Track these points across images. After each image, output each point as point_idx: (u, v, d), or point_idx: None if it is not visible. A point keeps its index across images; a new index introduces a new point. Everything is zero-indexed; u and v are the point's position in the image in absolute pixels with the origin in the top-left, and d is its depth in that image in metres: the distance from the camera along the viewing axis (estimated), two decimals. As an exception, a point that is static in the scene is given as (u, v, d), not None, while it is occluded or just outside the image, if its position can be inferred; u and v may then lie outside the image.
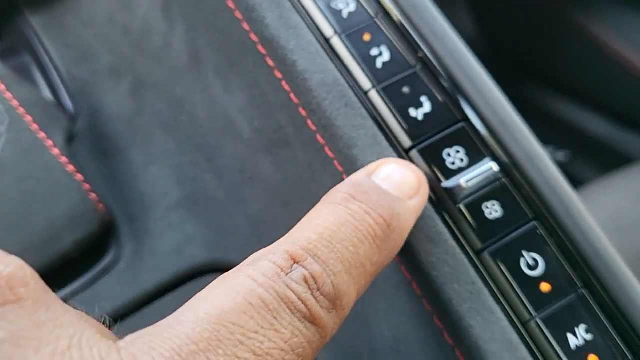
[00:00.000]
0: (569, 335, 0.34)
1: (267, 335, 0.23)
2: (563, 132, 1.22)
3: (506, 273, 0.34)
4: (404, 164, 0.34)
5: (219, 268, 0.46)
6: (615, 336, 0.34)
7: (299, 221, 0.43)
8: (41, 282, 0.23)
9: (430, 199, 0.35)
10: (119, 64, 0.53)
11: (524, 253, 0.35)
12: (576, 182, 1.00)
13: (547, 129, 1.19)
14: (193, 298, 0.25)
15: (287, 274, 0.25)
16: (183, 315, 0.23)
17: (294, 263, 0.26)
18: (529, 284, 0.34)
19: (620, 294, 0.34)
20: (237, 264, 0.47)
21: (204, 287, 0.46)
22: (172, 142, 0.50)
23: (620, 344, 0.34)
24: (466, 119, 0.37)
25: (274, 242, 0.46)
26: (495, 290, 0.34)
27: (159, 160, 0.50)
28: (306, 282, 0.25)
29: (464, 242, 0.35)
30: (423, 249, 0.34)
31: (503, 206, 0.35)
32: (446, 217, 0.35)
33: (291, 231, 0.29)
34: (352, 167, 0.36)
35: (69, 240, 0.43)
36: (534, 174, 0.36)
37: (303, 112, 0.38)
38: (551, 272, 0.35)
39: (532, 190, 0.36)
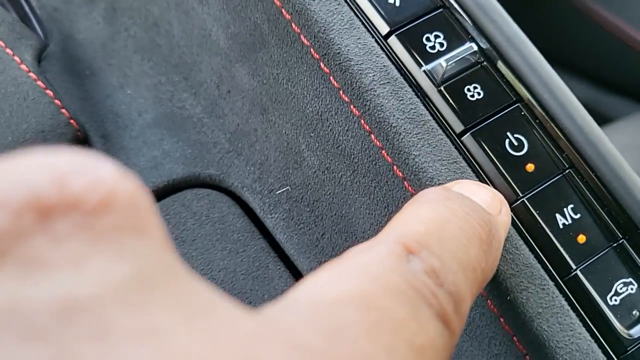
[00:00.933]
0: (557, 216, 0.33)
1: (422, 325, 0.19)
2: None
3: (490, 153, 0.33)
4: (480, 185, 0.31)
5: (199, 183, 0.44)
6: (603, 215, 0.33)
7: (278, 130, 0.42)
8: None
9: (410, 83, 0.34)
10: (90, -13, 0.51)
11: (508, 134, 0.34)
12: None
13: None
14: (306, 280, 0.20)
15: (408, 263, 0.21)
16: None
17: (410, 254, 0.22)
18: (514, 165, 0.33)
19: (606, 172, 0.33)
20: (217, 179, 0.46)
21: (185, 202, 0.45)
22: (147, 65, 0.48)
23: (609, 223, 0.33)
24: (445, 5, 0.36)
25: (254, 155, 0.45)
26: (480, 171, 0.33)
27: (134, 82, 0.48)
28: (429, 274, 0.21)
29: (445, 124, 0.34)
30: (403, 129, 0.33)
31: (484, 88, 0.34)
32: (427, 100, 0.34)
33: (390, 224, 0.25)
34: (329, 51, 0.35)
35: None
36: (514, 56, 0.35)
37: (277, 2, 0.37)
38: (536, 152, 0.34)
39: (513, 72, 0.35)
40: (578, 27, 1.14)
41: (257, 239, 0.42)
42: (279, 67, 0.39)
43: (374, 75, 0.34)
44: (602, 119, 1.10)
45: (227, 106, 0.45)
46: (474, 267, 0.24)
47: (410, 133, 0.33)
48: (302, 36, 0.36)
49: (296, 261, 0.41)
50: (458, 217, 0.25)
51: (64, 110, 0.44)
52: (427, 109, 0.34)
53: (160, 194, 0.44)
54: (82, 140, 0.44)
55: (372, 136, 0.34)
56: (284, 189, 0.42)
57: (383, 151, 0.34)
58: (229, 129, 0.45)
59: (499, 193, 0.32)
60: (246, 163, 0.44)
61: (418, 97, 0.34)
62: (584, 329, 0.31)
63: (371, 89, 0.34)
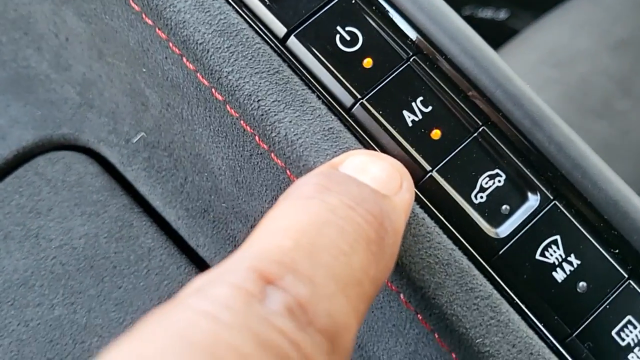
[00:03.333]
0: (405, 112, 0.28)
1: None
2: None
3: (318, 53, 0.28)
4: (375, 154, 0.26)
5: (52, 146, 0.40)
6: (458, 104, 0.28)
7: (118, 72, 0.37)
8: None
9: None
10: None
11: (339, 28, 0.29)
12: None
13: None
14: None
15: (261, 303, 0.16)
16: None
17: (267, 284, 0.17)
18: (348, 62, 0.28)
19: (457, 54, 0.29)
20: (72, 138, 0.42)
21: (38, 170, 0.40)
22: (-14, 26, 0.43)
23: (466, 111, 0.28)
24: None
25: (105, 104, 0.41)
26: (308, 77, 0.28)
27: (-27, 47, 0.43)
28: (291, 313, 0.17)
29: (265, 29, 0.29)
30: (211, 44, 0.28)
31: (306, -20, 0.29)
32: (241, 5, 0.29)
33: (250, 237, 0.20)
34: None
35: None
36: None
37: None
38: (373, 45, 0.29)
39: None
40: None
41: (118, 196, 0.38)
42: (87, 2, 0.34)
43: (173, -12, 0.29)
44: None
45: (69, 55, 0.40)
46: (359, 280, 0.19)
47: (220, 48, 0.28)
48: None
49: (163, 212, 0.37)
50: (338, 216, 0.20)
51: None
52: (242, 16, 0.29)
53: (12, 165, 0.39)
54: None
55: (184, 59, 0.30)
56: (140, 136, 0.38)
57: (198, 74, 0.29)
58: (76, 80, 0.40)
59: (398, 163, 0.25)
60: (99, 115, 0.39)
61: (230, 4, 0.29)
62: (444, 236, 0.27)
63: (170, 4, 0.29)
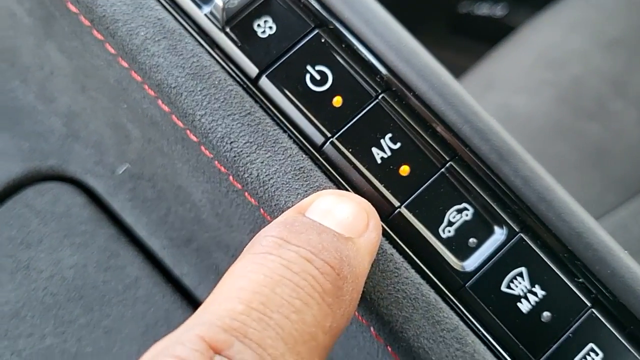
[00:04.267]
0: (374, 149, 0.29)
1: None
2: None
3: (289, 94, 0.29)
4: (344, 194, 0.26)
5: (40, 177, 0.41)
6: (426, 140, 0.29)
7: (101, 105, 0.38)
8: None
9: (192, 32, 0.30)
10: None
11: (309, 68, 0.30)
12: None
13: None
14: None
15: None
16: None
17: (215, 354, 0.18)
18: (318, 102, 0.29)
19: (425, 90, 0.29)
20: (59, 169, 0.43)
21: (27, 202, 0.42)
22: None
23: (433, 147, 0.29)
24: None
25: (91, 135, 0.41)
26: (280, 118, 0.29)
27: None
28: None
29: (236, 72, 0.30)
30: (184, 88, 0.29)
31: (276, 20, 0.30)
32: (213, 48, 0.30)
33: (205, 301, 0.21)
34: (94, 15, 0.30)
35: None
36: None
37: None
38: (342, 83, 0.29)
39: None
40: None
41: (105, 226, 0.39)
42: (72, 39, 0.35)
43: (146, 33, 0.30)
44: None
45: (54, 88, 0.41)
46: (312, 335, 0.20)
47: (193, 91, 0.29)
48: (68, 2, 0.32)
49: (148, 242, 0.38)
50: (292, 272, 0.21)
51: None
52: (214, 59, 0.30)
53: (1, 197, 0.40)
54: None
55: (159, 101, 0.30)
56: (125, 167, 0.39)
57: (173, 116, 0.30)
58: (62, 112, 0.41)
59: (365, 201, 0.26)
60: (85, 146, 0.40)
61: (203, 46, 0.30)
62: (412, 271, 0.28)
63: (144, 49, 0.30)
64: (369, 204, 0.26)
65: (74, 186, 0.40)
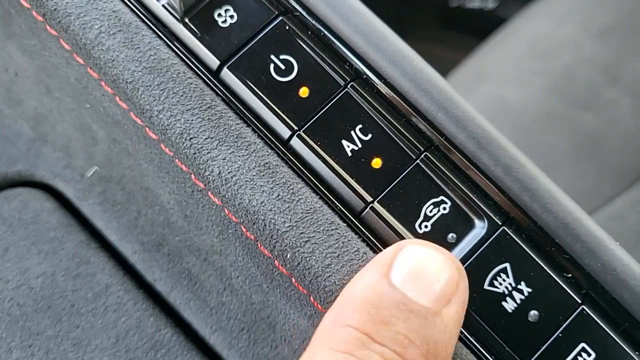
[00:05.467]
0: (344, 142, 0.27)
1: None
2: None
3: (253, 85, 0.27)
4: (429, 246, 0.24)
5: (7, 183, 0.39)
6: (398, 131, 0.27)
7: (66, 106, 0.37)
8: None
9: (150, 25, 0.28)
10: None
11: (272, 57, 0.28)
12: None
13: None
14: None
15: None
16: None
17: None
18: (284, 92, 0.28)
19: (395, 77, 0.28)
20: (27, 174, 0.41)
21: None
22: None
23: (407, 137, 0.27)
24: None
25: (59, 138, 0.40)
26: (243, 110, 0.28)
27: None
28: None
29: (196, 64, 0.28)
30: (141, 82, 0.27)
31: (237, 9, 0.28)
32: (172, 40, 0.28)
33: None
34: (46, 9, 0.29)
35: None
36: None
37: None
38: (308, 73, 0.28)
39: None
40: None
41: (75, 232, 0.37)
42: (30, 37, 0.34)
43: (100, 26, 0.28)
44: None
45: (20, 90, 0.39)
46: None
47: (150, 86, 0.27)
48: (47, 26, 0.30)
49: (119, 247, 0.36)
50: None
51: None
52: (173, 51, 0.28)
53: (-33, 207, 0.39)
54: None
55: (117, 98, 0.29)
56: (93, 170, 0.37)
57: (131, 113, 0.29)
58: (29, 114, 0.40)
59: (452, 255, 0.24)
60: (53, 149, 0.39)
61: (161, 39, 0.28)
62: None
63: (99, 42, 0.28)
64: (456, 259, 0.24)
65: (43, 191, 0.39)
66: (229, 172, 0.26)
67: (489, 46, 0.89)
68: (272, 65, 0.28)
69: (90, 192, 0.37)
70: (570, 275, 0.26)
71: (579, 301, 0.26)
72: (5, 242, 0.37)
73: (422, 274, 0.23)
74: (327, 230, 0.26)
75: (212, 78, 0.28)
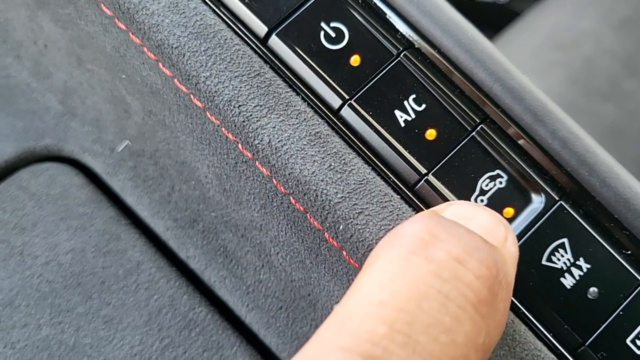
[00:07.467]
0: (397, 113, 0.26)
1: None
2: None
3: (302, 53, 0.27)
4: (476, 205, 0.24)
5: (35, 157, 0.38)
6: (452, 102, 0.27)
7: (98, 78, 0.36)
8: None
9: None
10: None
11: (323, 25, 0.27)
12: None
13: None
14: None
15: None
16: None
17: None
18: (335, 61, 0.27)
19: (450, 47, 0.27)
20: (55, 148, 0.40)
21: (21, 184, 0.39)
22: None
23: (462, 108, 0.27)
24: None
25: (88, 112, 0.39)
26: (293, 79, 0.27)
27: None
28: None
29: (244, 30, 0.27)
30: (187, 48, 0.26)
31: (286, -25, 0.27)
32: (218, 6, 0.27)
33: (340, 310, 0.18)
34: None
35: None
36: None
37: None
38: (360, 40, 0.27)
39: None
40: None
41: (105, 208, 0.36)
42: (65, 5, 0.33)
43: (145, -10, 0.27)
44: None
45: (49, 63, 0.38)
46: (464, 356, 0.17)
47: (196, 51, 0.26)
48: None
49: (151, 223, 0.35)
50: (443, 280, 0.18)
51: None
52: (220, 17, 0.27)
53: (-6, 180, 0.38)
54: None
55: (160, 65, 0.28)
56: (125, 144, 0.36)
57: (175, 80, 0.28)
58: (58, 88, 0.39)
59: (500, 216, 0.23)
60: (82, 124, 0.38)
61: (207, 4, 0.27)
62: None
63: (143, 7, 0.27)
64: (503, 218, 0.23)
65: (71, 166, 0.38)
66: (279, 141, 0.25)
67: (505, 38, 0.88)
68: (322, 33, 0.27)
69: (120, 167, 0.36)
70: (629, 252, 0.25)
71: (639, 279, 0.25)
72: (34, 217, 0.36)
73: (473, 217, 0.22)
74: (381, 202, 0.25)
75: (260, 45, 0.27)
